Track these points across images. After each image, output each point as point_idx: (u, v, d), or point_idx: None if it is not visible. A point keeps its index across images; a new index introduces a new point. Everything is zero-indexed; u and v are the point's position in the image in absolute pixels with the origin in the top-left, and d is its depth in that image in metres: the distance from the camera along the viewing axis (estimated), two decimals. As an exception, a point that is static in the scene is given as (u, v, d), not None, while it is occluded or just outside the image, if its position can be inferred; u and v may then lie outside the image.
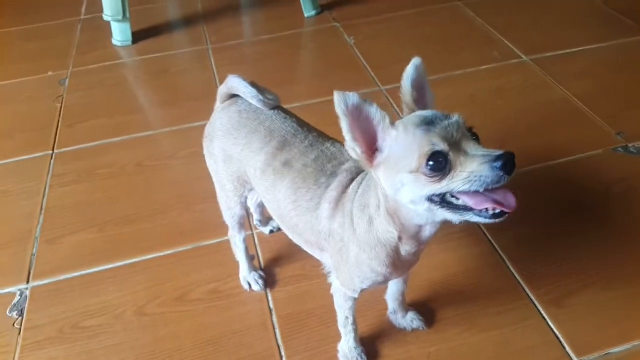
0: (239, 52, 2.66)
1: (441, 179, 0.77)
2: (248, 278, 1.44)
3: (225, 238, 1.47)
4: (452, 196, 0.79)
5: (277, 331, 1.34)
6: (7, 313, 1.43)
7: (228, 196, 1.27)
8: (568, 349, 1.25)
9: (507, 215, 0.79)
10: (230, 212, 1.31)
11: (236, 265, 1.46)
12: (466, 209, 0.79)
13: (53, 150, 2.02)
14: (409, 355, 1.27)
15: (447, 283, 1.42)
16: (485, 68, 2.34)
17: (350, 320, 1.19)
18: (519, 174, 1.72)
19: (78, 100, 2.33)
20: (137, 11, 2.99)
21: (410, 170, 0.79)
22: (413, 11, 2.87)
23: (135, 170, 1.91)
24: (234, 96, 1.21)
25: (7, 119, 2.25)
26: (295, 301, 1.41)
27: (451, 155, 0.77)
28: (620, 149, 1.82)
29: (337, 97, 0.80)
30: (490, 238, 1.53)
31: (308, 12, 2.89)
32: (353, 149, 0.83)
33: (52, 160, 1.97)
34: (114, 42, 2.74)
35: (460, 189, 0.77)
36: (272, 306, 1.40)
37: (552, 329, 1.29)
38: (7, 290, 1.49)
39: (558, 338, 1.27)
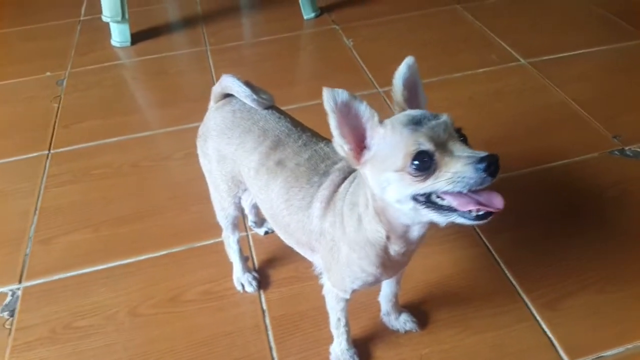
0: (237, 53, 2.66)
1: (425, 179, 0.77)
2: (241, 279, 1.43)
3: (220, 239, 1.46)
4: (437, 196, 0.79)
5: (270, 333, 1.33)
6: (-1, 313, 1.43)
7: (222, 196, 1.26)
8: (561, 351, 1.24)
9: (491, 217, 0.78)
10: (223, 212, 1.31)
11: (230, 266, 1.45)
12: (450, 209, 0.79)
13: (49, 150, 2.02)
14: (401, 357, 1.26)
15: (441, 284, 1.42)
16: (484, 71, 2.34)
17: (343, 322, 1.18)
18: (516, 176, 1.74)
19: (75, 100, 2.33)
20: (137, 12, 3.00)
21: (396, 168, 0.79)
22: (411, 14, 2.87)
23: (131, 170, 1.90)
24: (228, 96, 1.21)
25: (4, 119, 2.25)
26: (289, 303, 1.40)
27: (436, 155, 0.77)
28: (616, 152, 1.82)
29: (326, 93, 0.80)
30: (485, 240, 1.52)
31: (307, 14, 2.90)
32: (341, 145, 0.83)
33: (48, 161, 1.97)
34: (113, 43, 2.75)
35: (444, 189, 0.77)
36: (265, 307, 1.40)
37: (545, 332, 1.28)
38: (-1, 290, 1.49)
39: (551, 341, 1.26)
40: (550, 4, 2.90)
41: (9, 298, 1.46)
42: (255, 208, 1.56)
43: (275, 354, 1.28)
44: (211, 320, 1.37)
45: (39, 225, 1.69)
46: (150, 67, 2.57)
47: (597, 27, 2.65)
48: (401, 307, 1.33)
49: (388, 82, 0.91)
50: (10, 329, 1.38)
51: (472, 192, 0.77)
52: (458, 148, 0.77)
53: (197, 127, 1.26)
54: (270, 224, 1.20)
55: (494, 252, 1.49)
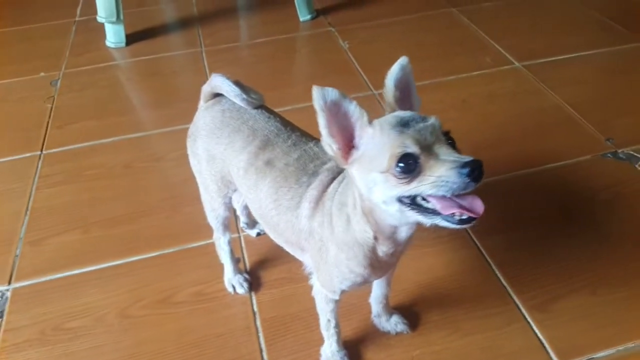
0: (233, 54, 2.66)
1: (410, 181, 0.77)
2: (232, 281, 1.43)
3: (212, 240, 1.45)
4: (423, 199, 0.79)
5: (261, 334, 1.32)
6: (-13, 315, 1.42)
7: (212, 197, 1.25)
8: (552, 353, 1.24)
9: (474, 222, 0.78)
10: (214, 213, 1.30)
11: (222, 267, 1.45)
12: (435, 212, 0.79)
13: (41, 151, 2.01)
14: (392, 359, 1.25)
15: (433, 286, 1.41)
16: (478, 74, 2.34)
17: (333, 324, 1.17)
18: (509, 178, 1.74)
19: (69, 101, 2.33)
20: (132, 13, 2.99)
21: (381, 170, 0.79)
22: (407, 17, 2.87)
23: (124, 171, 1.89)
24: (217, 95, 1.21)
25: (-4, 120, 2.25)
26: (280, 304, 1.40)
27: (422, 159, 0.76)
28: (609, 155, 1.82)
29: (316, 92, 0.80)
30: (477, 242, 1.52)
31: (303, 16, 2.90)
32: (329, 144, 0.83)
33: (40, 161, 1.96)
34: (108, 43, 2.74)
35: (427, 193, 0.77)
36: (256, 309, 1.39)
37: (536, 334, 1.28)
38: (-13, 292, 1.48)
39: (542, 343, 1.26)
40: (545, 8, 2.90)
41: (-2, 299, 1.45)
42: (247, 209, 1.55)
43: (265, 356, 1.28)
44: (202, 322, 1.36)
45: (29, 226, 1.68)
46: (145, 68, 2.57)
47: (592, 30, 2.66)
48: (392, 308, 1.32)
49: (383, 84, 0.91)
50: (-2, 331, 1.37)
51: (457, 196, 0.76)
52: (444, 152, 0.77)
53: (190, 128, 1.26)
54: (260, 223, 1.20)
55: (485, 254, 1.48)
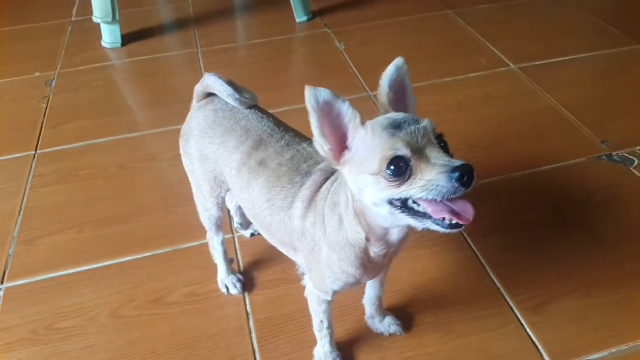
0: (229, 55, 2.66)
1: (400, 184, 0.76)
2: (226, 281, 1.42)
3: (205, 241, 1.44)
4: (414, 202, 0.79)
5: (254, 335, 1.32)
6: (-21, 314, 1.41)
7: (205, 197, 1.25)
8: (546, 356, 1.23)
9: (464, 226, 0.77)
10: (207, 213, 1.30)
11: (216, 268, 1.44)
12: (425, 215, 0.79)
13: (36, 150, 2.01)
14: (385, 361, 1.25)
15: (427, 288, 1.41)
16: (474, 76, 2.34)
17: (326, 325, 1.17)
18: (503, 180, 1.74)
19: (64, 101, 2.32)
20: (129, 14, 2.99)
21: (372, 172, 0.78)
22: (404, 19, 2.87)
23: (118, 171, 1.89)
24: (210, 95, 1.20)
25: (-9, 119, 2.24)
26: (273, 305, 1.39)
27: (413, 162, 0.76)
28: (604, 158, 1.82)
29: (308, 92, 0.80)
30: (472, 243, 1.52)
31: (300, 17, 2.90)
32: (321, 145, 0.82)
33: (34, 161, 1.95)
34: (104, 44, 2.74)
35: (418, 196, 0.76)
36: (249, 310, 1.38)
37: (530, 336, 1.28)
38: (-20, 291, 1.47)
39: (536, 345, 1.26)
40: (541, 11, 2.91)
41: (-11, 299, 1.45)
42: (241, 210, 1.54)
43: (258, 357, 1.27)
44: (195, 323, 1.36)
45: (23, 226, 1.67)
46: (141, 68, 2.56)
47: (588, 33, 2.66)
48: (386, 310, 1.32)
49: (378, 85, 0.90)
50: (-10, 330, 1.36)
51: (448, 200, 0.76)
52: (435, 155, 0.77)
53: (185, 129, 1.25)
54: (253, 223, 1.19)
55: (480, 256, 1.48)
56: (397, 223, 0.84)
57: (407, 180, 0.76)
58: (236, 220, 1.59)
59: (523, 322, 1.31)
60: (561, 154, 1.84)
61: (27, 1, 3.33)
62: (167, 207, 1.71)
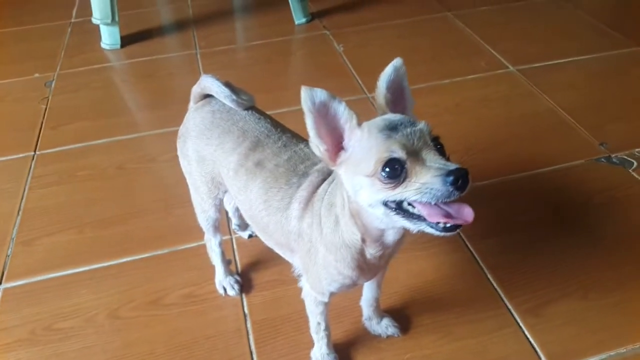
0: (228, 57, 2.66)
1: (395, 187, 0.76)
2: (223, 282, 1.42)
3: (203, 242, 1.45)
4: (409, 204, 0.78)
5: (251, 336, 1.32)
6: (-23, 315, 1.41)
7: (202, 198, 1.25)
8: (543, 358, 1.23)
9: (459, 229, 0.78)
10: (204, 214, 1.30)
11: (213, 269, 1.44)
12: (420, 218, 0.79)
13: (35, 151, 2.01)
14: (382, 363, 1.25)
15: (424, 290, 1.41)
16: (473, 77, 2.34)
17: (323, 326, 1.17)
18: (502, 182, 1.74)
19: (63, 102, 2.32)
20: (128, 15, 2.99)
21: (367, 173, 0.78)
22: (403, 20, 2.88)
23: (117, 172, 1.89)
24: (207, 96, 1.20)
25: (-10, 120, 2.24)
26: (271, 306, 1.39)
27: (408, 164, 0.76)
28: (603, 160, 1.82)
29: (304, 93, 0.80)
30: (470, 245, 1.52)
31: (298, 19, 2.90)
32: (316, 145, 0.82)
33: (33, 162, 1.95)
34: (103, 45, 2.74)
35: (412, 199, 0.76)
36: (246, 311, 1.38)
37: (528, 338, 1.27)
38: (-22, 292, 1.47)
39: (534, 347, 1.25)
40: (540, 13, 2.91)
41: (-13, 300, 1.45)
42: (239, 211, 1.54)
43: (256, 358, 1.27)
44: (192, 324, 1.36)
45: (21, 226, 1.67)
46: (140, 69, 2.57)
47: (586, 35, 2.66)
48: (383, 312, 1.32)
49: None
50: (-12, 331, 1.36)
51: (443, 203, 0.76)
52: (431, 158, 0.76)
53: (184, 130, 1.25)
54: (250, 224, 1.19)
55: (478, 258, 1.48)
56: (392, 224, 0.84)
57: (402, 183, 0.76)
58: (234, 221, 1.59)
59: (521, 324, 1.31)
60: (560, 155, 1.84)
61: (27, 2, 3.34)
62: (166, 208, 1.71)
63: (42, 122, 2.18)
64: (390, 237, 0.90)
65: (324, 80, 2.39)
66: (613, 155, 1.83)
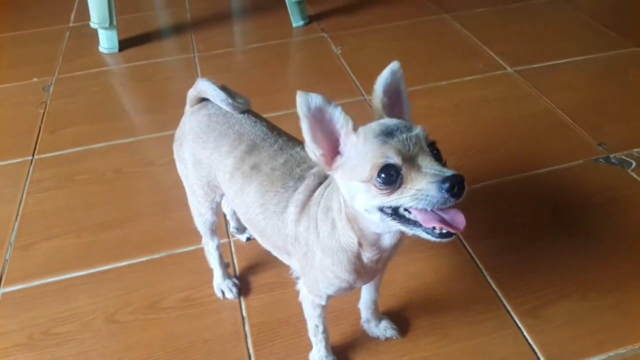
0: (225, 60, 2.66)
1: (391, 193, 0.76)
2: (221, 286, 1.42)
3: (201, 245, 1.45)
4: (405, 209, 0.78)
5: (249, 340, 1.32)
6: (-25, 320, 1.40)
7: (199, 202, 1.25)
8: (542, 359, 1.23)
9: (454, 236, 0.77)
10: (201, 218, 1.29)
11: (211, 272, 1.44)
12: (416, 223, 0.78)
13: (33, 155, 2.01)
14: (381, 365, 1.25)
15: (423, 292, 1.41)
16: (470, 79, 2.34)
17: (321, 329, 1.16)
18: (500, 183, 1.74)
19: (61, 106, 2.32)
20: (126, 19, 2.99)
21: (363, 179, 0.78)
22: (400, 23, 2.88)
23: (114, 176, 1.89)
24: (203, 100, 1.20)
25: (-12, 125, 2.24)
26: (269, 309, 1.39)
27: (403, 170, 0.75)
28: (601, 160, 1.81)
29: (300, 98, 0.79)
30: (468, 247, 1.51)
31: (296, 22, 2.90)
32: (312, 150, 0.82)
33: (31, 166, 1.95)
34: (101, 49, 2.74)
35: (408, 205, 0.76)
36: (245, 314, 1.38)
37: (527, 340, 1.27)
38: (-24, 297, 1.47)
39: (533, 348, 1.25)
40: (538, 13, 2.91)
41: (-15, 305, 1.44)
42: (237, 214, 1.54)
43: (253, 362, 1.27)
44: (190, 328, 1.35)
45: (20, 231, 1.67)
46: (138, 73, 2.57)
47: (584, 36, 2.66)
48: (381, 314, 1.31)
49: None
50: (-15, 336, 1.36)
51: (439, 209, 0.75)
52: (427, 164, 0.76)
53: (181, 134, 1.25)
54: (247, 227, 1.19)
55: (476, 259, 1.48)
56: (389, 229, 0.84)
57: (397, 189, 0.76)
58: (232, 224, 1.59)
59: (520, 325, 1.30)
60: (558, 156, 1.84)
61: (25, 7, 3.34)
62: (163, 211, 1.71)
63: (40, 127, 2.18)
64: (387, 241, 0.90)
65: (321, 82, 2.39)
66: (612, 156, 1.82)
